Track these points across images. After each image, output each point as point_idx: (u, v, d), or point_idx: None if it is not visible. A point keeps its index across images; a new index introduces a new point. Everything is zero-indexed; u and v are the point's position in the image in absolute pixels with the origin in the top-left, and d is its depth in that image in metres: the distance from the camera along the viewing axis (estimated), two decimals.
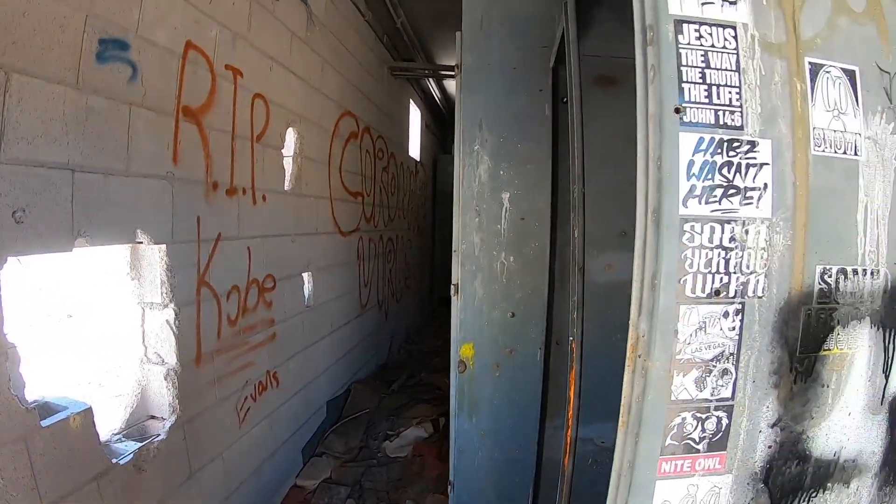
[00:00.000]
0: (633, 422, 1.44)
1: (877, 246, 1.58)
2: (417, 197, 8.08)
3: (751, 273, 1.43)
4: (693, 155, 1.38)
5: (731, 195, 1.41)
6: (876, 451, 1.63)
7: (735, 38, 1.45)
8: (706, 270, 1.40)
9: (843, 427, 1.57)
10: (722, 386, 1.45)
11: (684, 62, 1.41)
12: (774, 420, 1.51)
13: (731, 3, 1.48)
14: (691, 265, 1.39)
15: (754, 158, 1.42)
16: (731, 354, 1.44)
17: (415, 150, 7.24)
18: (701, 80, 1.41)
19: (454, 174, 2.50)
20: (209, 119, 2.73)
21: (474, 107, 2.43)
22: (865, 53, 1.61)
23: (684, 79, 1.40)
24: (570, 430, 2.03)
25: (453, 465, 2.69)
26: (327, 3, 4.08)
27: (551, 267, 2.72)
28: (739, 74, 1.44)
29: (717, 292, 1.41)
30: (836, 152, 1.52)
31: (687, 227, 1.38)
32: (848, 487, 1.63)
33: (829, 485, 1.60)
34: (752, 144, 1.43)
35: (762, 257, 1.43)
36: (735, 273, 1.42)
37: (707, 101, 1.40)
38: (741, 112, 1.42)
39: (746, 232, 1.42)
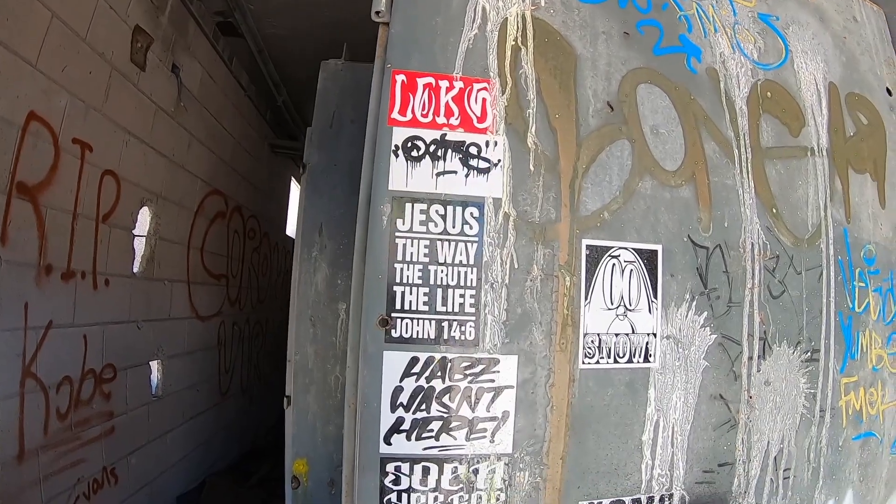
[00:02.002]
0: None
1: (670, 468, 1.27)
2: None
3: None
4: (402, 380, 1.07)
5: (455, 429, 1.10)
6: None
7: (480, 219, 1.12)
8: None
9: None
10: None
11: (400, 257, 1.08)
12: None
13: (480, 171, 1.13)
14: None
15: (492, 381, 1.11)
16: None
17: (293, 230, 6.84)
18: (421, 281, 1.08)
19: (292, 280, 2.24)
20: (48, 197, 2.46)
21: (316, 210, 2.15)
22: (676, 226, 1.26)
23: (398, 280, 1.07)
24: None
25: None
26: (204, 76, 3.75)
27: None
28: (480, 270, 1.11)
29: None
30: (616, 362, 1.19)
31: (390, 467, 1.08)
32: None
33: None
34: (491, 363, 1.11)
35: (498, 499, 1.14)
36: None
37: (427, 308, 1.08)
38: (476, 322, 1.10)
39: (475, 472, 1.12)
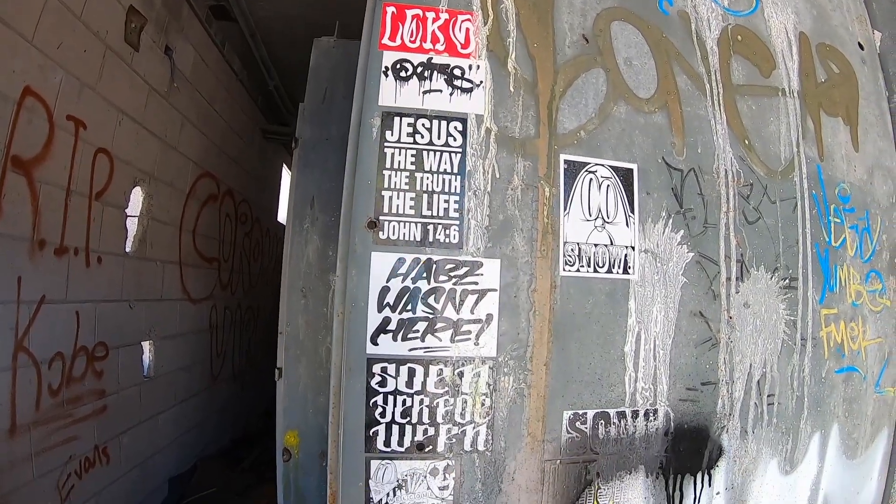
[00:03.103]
0: None
1: (653, 382, 1.30)
2: None
3: (468, 423, 1.16)
4: (389, 280, 1.12)
5: (440, 330, 1.14)
6: None
7: (463, 132, 1.19)
8: (404, 420, 1.14)
9: None
10: None
11: (388, 164, 1.14)
12: None
13: (463, 90, 1.21)
14: (383, 414, 1.13)
15: (475, 284, 1.16)
16: None
17: (285, 216, 6.79)
18: (408, 187, 1.14)
19: (283, 252, 2.29)
20: (42, 172, 2.53)
21: (308, 183, 2.21)
22: (650, 148, 1.32)
23: (386, 185, 1.14)
24: None
25: None
26: (196, 59, 3.86)
27: None
28: (463, 178, 1.17)
29: (421, 446, 1.15)
30: (596, 271, 1.24)
31: (377, 368, 1.12)
32: None
33: None
34: (474, 266, 1.16)
35: (483, 404, 1.17)
36: (445, 424, 1.15)
37: (414, 212, 1.14)
38: (460, 226, 1.16)
39: (460, 375, 1.15)
